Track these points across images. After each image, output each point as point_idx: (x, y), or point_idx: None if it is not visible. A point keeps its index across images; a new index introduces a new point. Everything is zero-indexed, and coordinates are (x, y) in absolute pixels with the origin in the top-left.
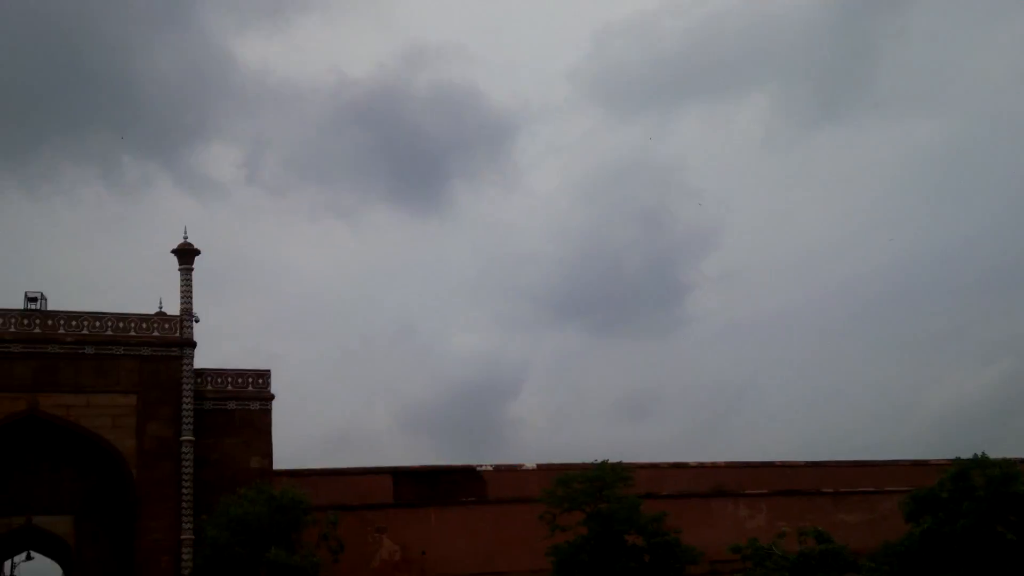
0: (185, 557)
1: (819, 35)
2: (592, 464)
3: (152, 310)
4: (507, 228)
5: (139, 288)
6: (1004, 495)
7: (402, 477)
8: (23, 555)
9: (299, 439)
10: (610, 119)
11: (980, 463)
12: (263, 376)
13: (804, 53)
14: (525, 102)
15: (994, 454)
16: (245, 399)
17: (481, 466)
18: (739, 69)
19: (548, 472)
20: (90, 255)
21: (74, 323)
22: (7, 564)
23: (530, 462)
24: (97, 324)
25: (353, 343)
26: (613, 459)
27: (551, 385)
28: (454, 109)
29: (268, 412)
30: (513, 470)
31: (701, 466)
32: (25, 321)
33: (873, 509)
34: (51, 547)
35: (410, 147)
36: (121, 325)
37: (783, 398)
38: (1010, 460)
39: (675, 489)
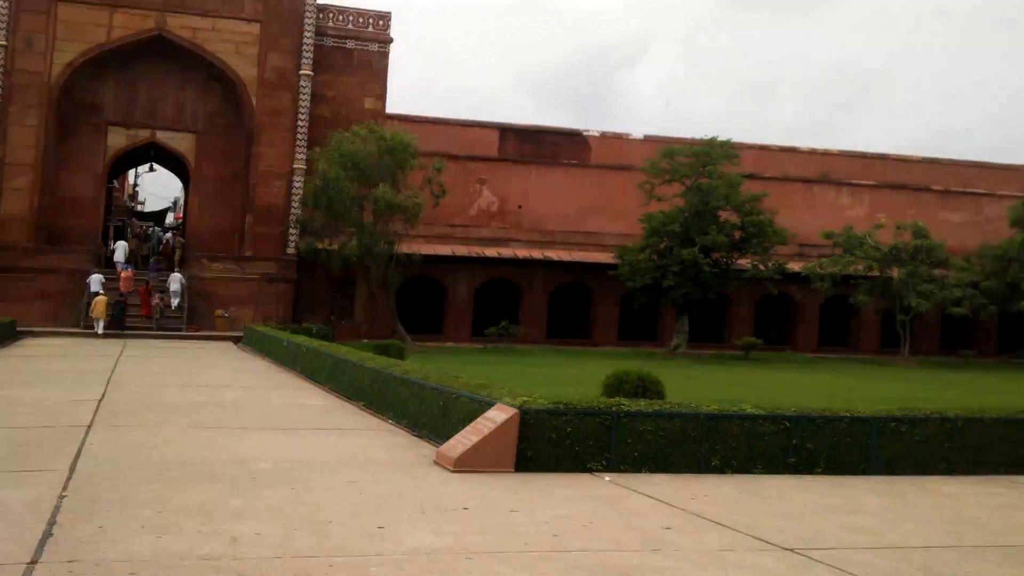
0: (296, 184)
1: None
2: (700, 141)
3: None
4: None
5: None
6: None
7: (507, 133)
8: (147, 166)
9: (414, 87)
10: None
11: None
12: (384, 18)
13: None
14: None
15: None
16: (364, 40)
17: (587, 131)
18: None
19: (654, 144)
20: None
21: None
22: (131, 173)
23: (637, 132)
24: None
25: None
26: (723, 138)
27: (674, 57)
28: None
29: (386, 55)
30: (619, 138)
31: (812, 152)
32: None
33: (980, 211)
34: (173, 162)
35: None
36: None
37: (916, 91)
38: None
39: (781, 172)
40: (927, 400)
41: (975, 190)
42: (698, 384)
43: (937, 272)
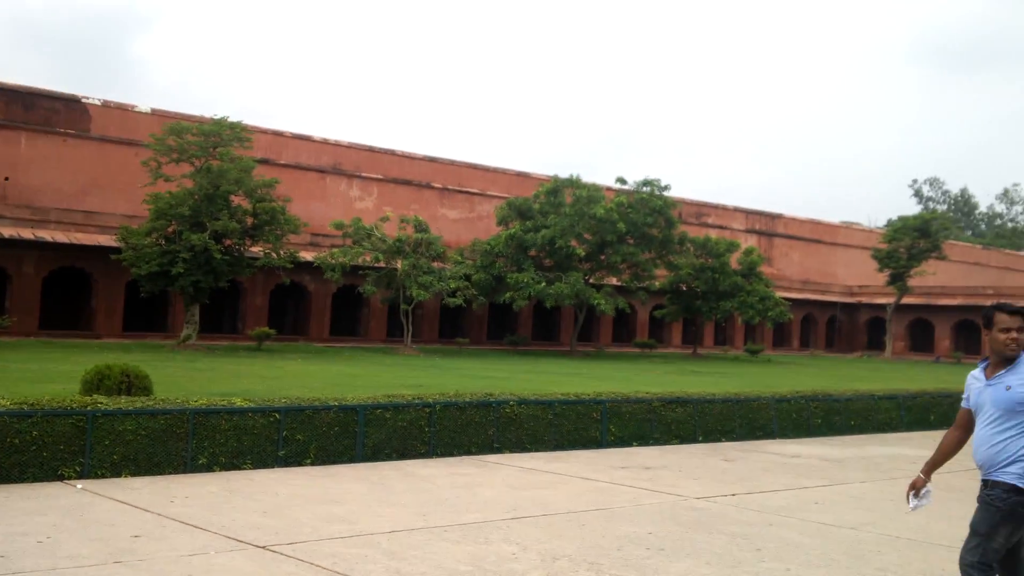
0: None
1: None
2: (211, 119)
3: None
4: None
5: None
6: (584, 215)
7: None
8: None
9: None
10: None
11: (573, 183)
12: None
13: None
14: None
15: (589, 179)
16: None
17: (87, 98)
18: None
19: (162, 119)
20: None
21: None
22: None
23: (144, 105)
24: None
25: None
26: (235, 119)
27: (189, 27)
28: None
29: None
30: (123, 109)
31: (324, 142)
32: None
33: (473, 209)
34: None
35: None
36: None
37: (417, 86)
38: (597, 186)
39: (294, 160)
40: (426, 387)
41: (469, 189)
42: (205, 378)
43: (436, 265)
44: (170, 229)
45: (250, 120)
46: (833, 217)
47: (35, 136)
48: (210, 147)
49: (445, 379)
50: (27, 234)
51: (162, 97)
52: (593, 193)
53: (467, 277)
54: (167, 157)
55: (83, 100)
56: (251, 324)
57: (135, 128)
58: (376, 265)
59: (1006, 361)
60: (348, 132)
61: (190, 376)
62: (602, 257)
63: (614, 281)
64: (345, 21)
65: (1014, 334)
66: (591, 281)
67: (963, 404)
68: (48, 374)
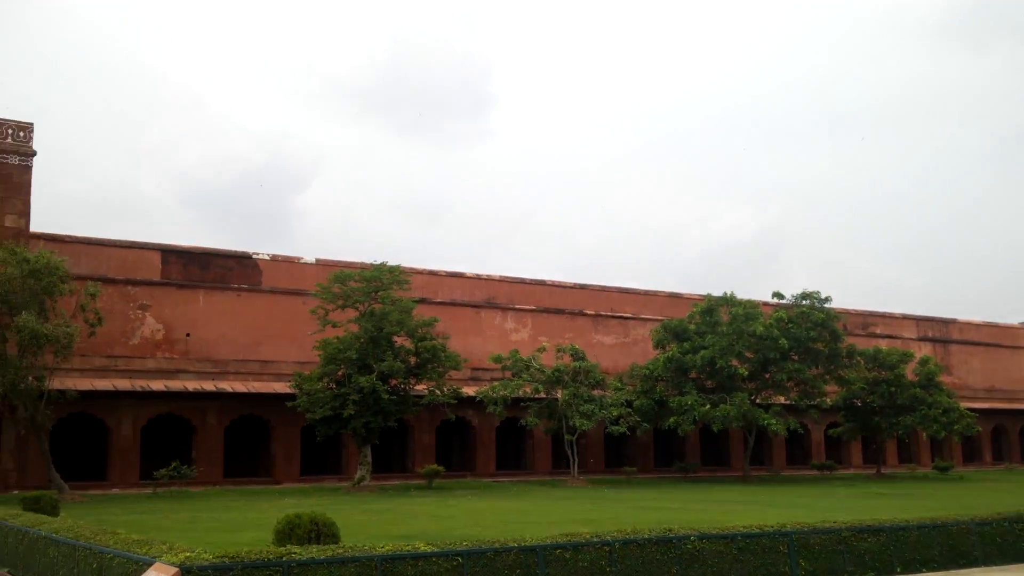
0: None
1: None
2: (371, 265)
3: None
4: (320, 9)
5: None
6: (743, 333)
7: (171, 255)
8: None
9: (62, 202)
10: None
11: (728, 301)
12: (25, 129)
13: None
14: None
15: (743, 295)
16: (3, 152)
17: (257, 254)
18: None
19: (327, 268)
20: None
21: None
22: None
23: (309, 256)
24: None
25: (129, 105)
26: (393, 263)
27: (344, 180)
28: None
29: (29, 168)
30: (290, 262)
31: (477, 278)
32: None
33: (628, 333)
34: None
35: None
36: None
37: (566, 221)
38: (753, 302)
39: (449, 297)
40: (598, 521)
41: (622, 314)
42: (381, 520)
43: (596, 392)
44: (339, 373)
45: (406, 262)
46: (1011, 318)
47: (211, 293)
48: (372, 292)
49: (617, 511)
50: (208, 386)
51: (323, 244)
52: (750, 310)
53: (628, 403)
54: (333, 304)
55: (254, 256)
56: (420, 462)
57: (302, 278)
58: (536, 396)
59: None
60: (498, 266)
61: (369, 519)
62: (766, 375)
63: (781, 400)
64: (480, 167)
65: None
66: (757, 401)
67: None
68: (237, 523)
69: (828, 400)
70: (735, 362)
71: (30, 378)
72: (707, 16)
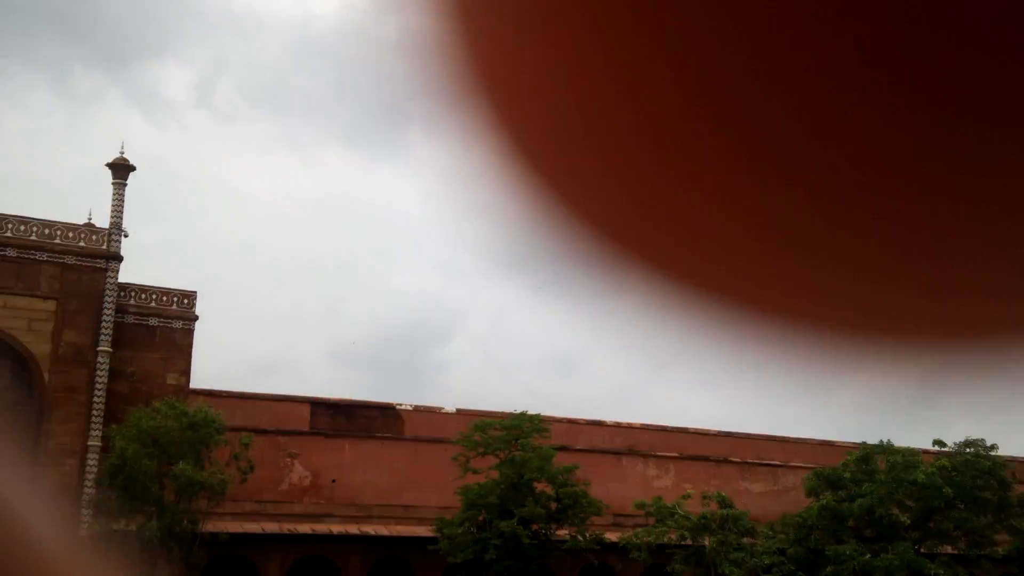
0: (91, 463)
1: None
2: (510, 414)
3: (82, 220)
4: (462, 179)
5: (77, 201)
6: (903, 481)
7: (319, 407)
8: None
9: (223, 363)
10: None
11: (885, 449)
12: (189, 296)
13: None
14: None
15: (899, 443)
16: (168, 317)
17: (400, 404)
18: None
19: (466, 417)
20: (30, 162)
21: None
22: None
23: (450, 406)
24: (22, 228)
25: (289, 274)
26: (532, 411)
27: (483, 335)
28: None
29: (191, 332)
30: (432, 411)
31: (616, 425)
32: None
33: (777, 481)
34: None
35: (372, 89)
36: (47, 232)
37: (706, 369)
38: (913, 449)
39: (589, 444)
40: None
41: (771, 462)
42: None
43: (745, 540)
44: (480, 518)
45: (544, 411)
46: None
47: (357, 442)
48: (512, 439)
49: None
50: (353, 529)
51: (463, 395)
52: (909, 458)
53: (781, 551)
54: (474, 451)
55: (397, 407)
56: None
57: (443, 428)
58: (683, 543)
59: None
60: (638, 414)
61: None
62: (931, 524)
63: (948, 550)
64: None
65: None
66: (922, 550)
67: None
68: None
69: (1000, 550)
70: (895, 510)
71: (185, 521)
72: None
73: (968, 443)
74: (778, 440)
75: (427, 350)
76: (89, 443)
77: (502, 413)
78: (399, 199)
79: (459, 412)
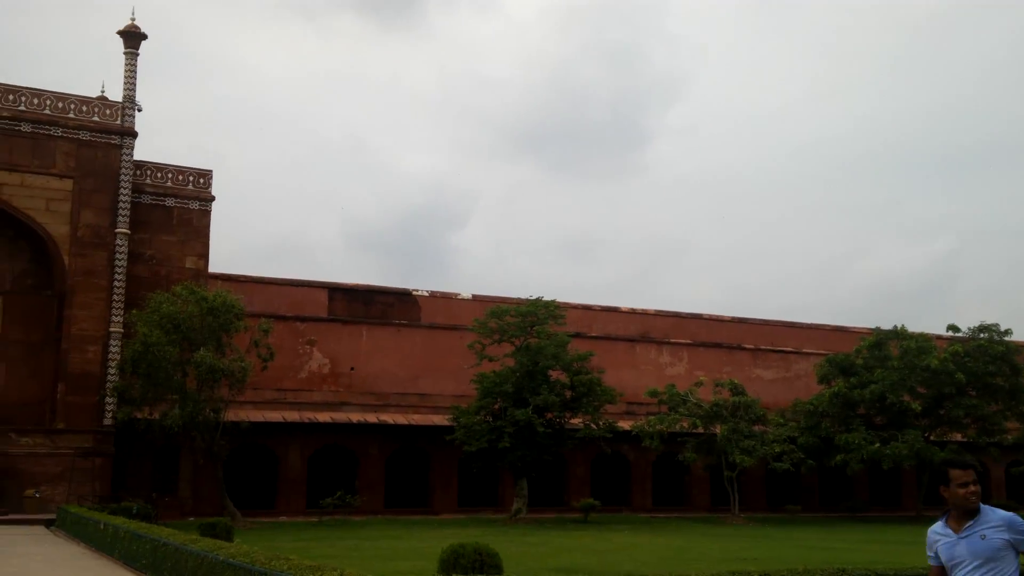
0: (113, 349)
1: None
2: (526, 300)
3: (94, 94)
4: (476, 51)
5: (84, 70)
6: (915, 367)
7: (336, 293)
8: None
9: (237, 244)
10: None
11: (898, 335)
12: (205, 176)
13: None
14: None
15: (913, 328)
16: (185, 197)
17: (417, 290)
18: None
19: (483, 303)
20: (38, 27)
21: (11, 97)
22: None
23: (466, 292)
24: (36, 101)
25: (300, 151)
26: (547, 297)
27: (498, 218)
28: None
29: (208, 213)
30: (448, 298)
31: (631, 312)
32: None
33: (789, 368)
34: None
35: None
36: (60, 105)
37: (719, 254)
38: (926, 335)
39: (604, 331)
40: (762, 560)
41: (784, 348)
42: (538, 552)
43: (757, 428)
44: (496, 406)
45: (560, 297)
46: None
47: (374, 328)
48: (527, 326)
49: (782, 551)
50: (371, 418)
51: (479, 281)
52: (922, 344)
53: (791, 439)
54: (490, 339)
55: (413, 293)
56: (575, 496)
57: (459, 314)
58: (695, 431)
59: (969, 513)
60: (653, 301)
61: (526, 551)
62: (941, 411)
63: (958, 437)
64: (634, 202)
65: (971, 487)
66: (932, 438)
67: (932, 563)
68: (399, 552)
69: (1009, 437)
70: (907, 397)
71: (207, 410)
72: (863, 47)
73: (982, 328)
74: (792, 326)
75: (442, 234)
76: (111, 329)
77: (518, 300)
78: (413, 71)
79: (475, 298)
